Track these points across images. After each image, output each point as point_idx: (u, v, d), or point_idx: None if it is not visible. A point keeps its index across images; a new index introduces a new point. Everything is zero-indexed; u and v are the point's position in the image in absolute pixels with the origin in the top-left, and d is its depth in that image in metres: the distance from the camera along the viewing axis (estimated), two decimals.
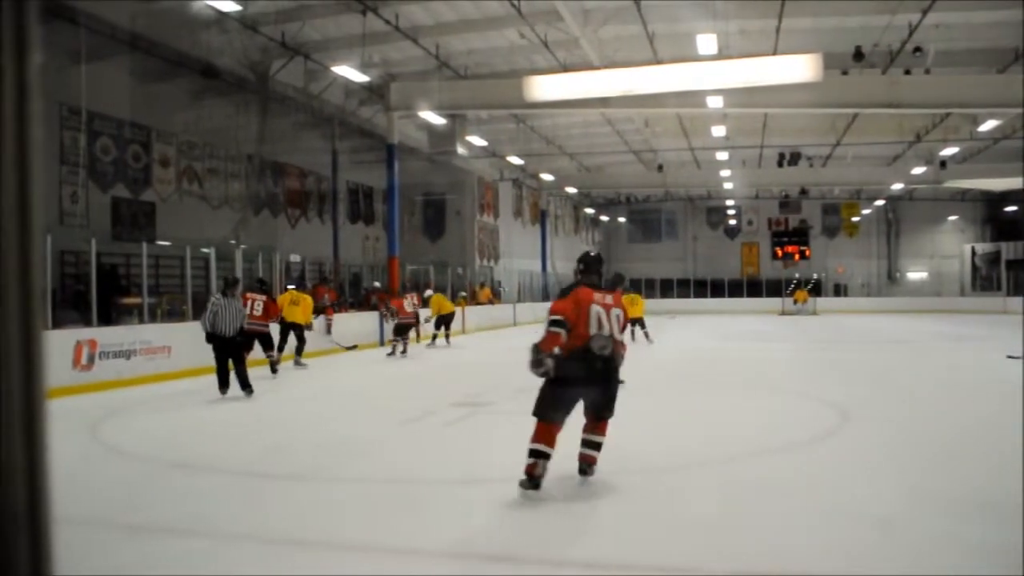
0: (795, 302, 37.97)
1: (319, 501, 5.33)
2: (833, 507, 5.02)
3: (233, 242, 17.51)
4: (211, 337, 9.85)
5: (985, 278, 42.81)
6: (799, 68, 15.64)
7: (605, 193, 45.06)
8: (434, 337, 19.15)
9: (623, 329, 5.42)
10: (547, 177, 33.76)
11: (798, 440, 7.29)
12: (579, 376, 5.15)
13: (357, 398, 10.34)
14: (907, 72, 19.78)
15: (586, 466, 5.45)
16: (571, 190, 38.73)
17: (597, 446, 5.45)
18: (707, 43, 16.41)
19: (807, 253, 47.82)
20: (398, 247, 21.31)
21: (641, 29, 18.21)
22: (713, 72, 16.67)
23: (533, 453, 5.09)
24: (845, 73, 19.71)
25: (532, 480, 5.08)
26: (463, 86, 21.27)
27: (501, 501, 5.11)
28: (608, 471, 5.62)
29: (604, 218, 49.54)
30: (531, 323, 26.36)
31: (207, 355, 10.00)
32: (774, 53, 18.31)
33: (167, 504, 5.21)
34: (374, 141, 24.04)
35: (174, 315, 14.14)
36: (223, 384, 9.98)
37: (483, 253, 31.86)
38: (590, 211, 47.31)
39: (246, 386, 10.00)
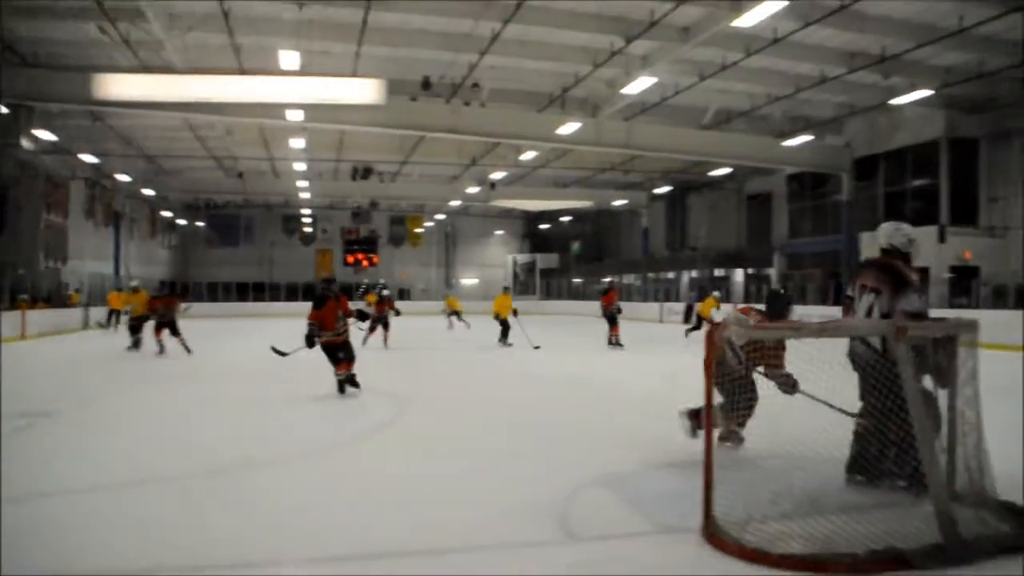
0: (368, 305, 40.58)
1: None
2: (395, 496, 5.48)
3: None
4: None
5: (524, 283, 51.06)
6: (366, 90, 17.32)
7: (183, 197, 43.88)
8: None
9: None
10: (123, 178, 32.30)
11: (360, 431, 8.08)
12: None
13: None
14: (467, 104, 22.95)
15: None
16: (148, 192, 37.35)
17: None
18: (290, 59, 17.39)
19: (375, 260, 51.19)
20: None
21: (228, 39, 18.65)
22: (292, 87, 17.71)
23: None
24: (414, 99, 22.18)
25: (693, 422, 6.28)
26: (30, 75, 19.80)
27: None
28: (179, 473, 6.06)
29: (182, 222, 48.19)
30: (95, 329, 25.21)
31: None
32: (353, 75, 19.93)
33: None
34: None
35: None
36: None
37: (49, 254, 29.55)
38: (167, 214, 45.80)
39: None
